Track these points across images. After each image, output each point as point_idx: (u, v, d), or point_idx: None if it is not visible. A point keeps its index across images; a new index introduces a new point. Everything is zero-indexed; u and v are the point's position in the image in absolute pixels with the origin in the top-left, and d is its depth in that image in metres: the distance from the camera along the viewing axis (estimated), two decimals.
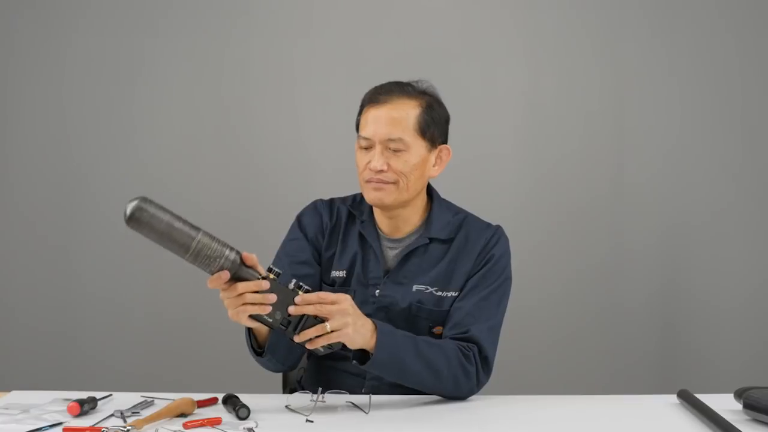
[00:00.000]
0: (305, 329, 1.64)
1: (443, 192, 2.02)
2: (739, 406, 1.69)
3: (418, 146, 1.87)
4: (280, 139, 3.15)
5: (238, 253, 1.58)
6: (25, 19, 3.13)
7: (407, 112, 1.87)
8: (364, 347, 1.72)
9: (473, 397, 1.84)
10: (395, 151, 1.86)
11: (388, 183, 1.86)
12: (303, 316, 1.63)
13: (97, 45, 3.14)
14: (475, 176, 3.09)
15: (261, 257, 1.65)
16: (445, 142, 1.95)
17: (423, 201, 1.97)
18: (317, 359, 1.96)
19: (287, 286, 1.63)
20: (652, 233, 3.15)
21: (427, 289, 1.92)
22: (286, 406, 1.73)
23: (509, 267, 1.96)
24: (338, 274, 1.95)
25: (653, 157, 3.16)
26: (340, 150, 2.91)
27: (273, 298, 1.60)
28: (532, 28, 3.16)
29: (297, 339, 1.64)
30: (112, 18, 3.13)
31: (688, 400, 1.74)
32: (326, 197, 2.04)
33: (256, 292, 1.59)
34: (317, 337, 1.64)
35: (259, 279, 1.60)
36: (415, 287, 1.92)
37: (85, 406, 1.66)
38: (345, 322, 1.66)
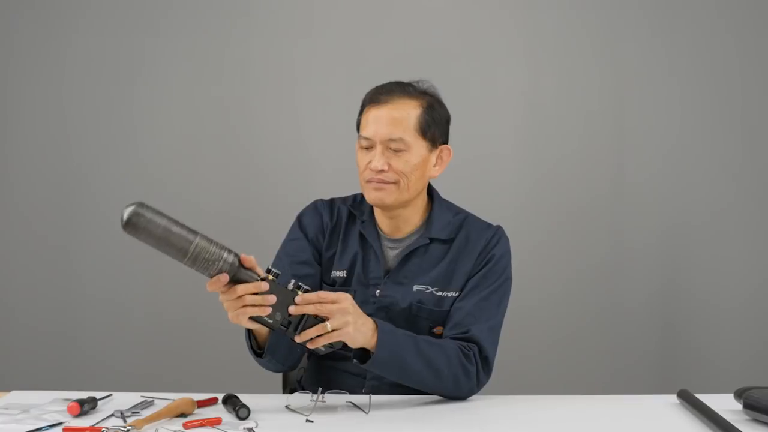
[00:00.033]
0: (306, 329, 1.63)
1: (443, 192, 2.02)
2: (739, 406, 1.69)
3: (418, 146, 1.87)
4: (280, 139, 3.15)
5: (236, 255, 1.58)
6: (25, 19, 3.13)
7: (408, 112, 1.87)
8: (364, 346, 1.72)
9: (473, 397, 1.84)
10: (396, 151, 1.86)
11: (388, 183, 1.86)
12: (303, 316, 1.63)
13: (97, 45, 3.14)
14: (475, 176, 3.09)
15: (261, 257, 1.65)
16: (445, 142, 1.95)
17: (423, 201, 1.97)
18: (317, 359, 1.96)
19: (286, 287, 1.62)
20: (652, 233, 3.15)
21: (427, 289, 1.92)
22: (286, 406, 1.73)
23: (509, 267, 1.96)
24: (339, 274, 1.95)
25: (653, 157, 3.16)
26: (340, 150, 2.91)
27: (272, 299, 1.60)
28: (532, 28, 3.16)
29: (298, 339, 1.64)
30: (112, 18, 3.13)
31: (688, 400, 1.74)
32: (326, 197, 2.04)
33: (256, 293, 1.59)
34: (318, 336, 1.64)
35: (258, 280, 1.60)
36: (415, 287, 1.91)
37: (85, 406, 1.66)
38: (345, 321, 1.65)
